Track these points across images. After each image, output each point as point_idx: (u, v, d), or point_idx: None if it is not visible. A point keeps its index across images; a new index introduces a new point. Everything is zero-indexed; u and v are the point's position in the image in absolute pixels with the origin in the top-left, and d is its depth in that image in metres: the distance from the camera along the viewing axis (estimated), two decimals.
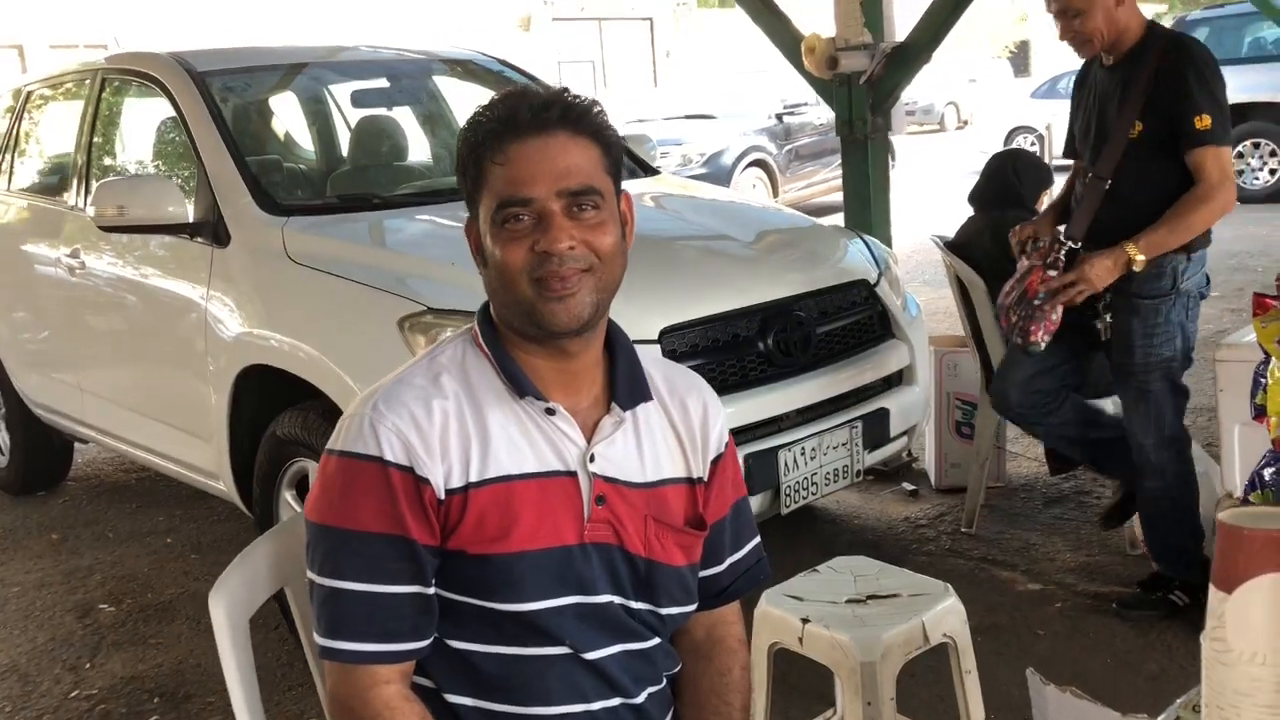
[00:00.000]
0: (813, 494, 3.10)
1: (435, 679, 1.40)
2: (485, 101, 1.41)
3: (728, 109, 11.96)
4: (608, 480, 1.40)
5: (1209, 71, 2.88)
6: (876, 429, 3.26)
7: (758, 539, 1.62)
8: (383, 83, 4.39)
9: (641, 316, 2.86)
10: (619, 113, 13.92)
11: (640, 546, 1.42)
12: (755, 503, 2.98)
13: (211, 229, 3.42)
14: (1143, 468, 3.08)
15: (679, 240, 3.45)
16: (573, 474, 1.38)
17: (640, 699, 1.45)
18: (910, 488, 4.41)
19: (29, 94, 4.80)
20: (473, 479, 1.34)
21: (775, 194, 11.65)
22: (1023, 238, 3.16)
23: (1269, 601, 0.83)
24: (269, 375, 3.17)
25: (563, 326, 1.35)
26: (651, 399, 1.47)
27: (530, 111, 1.35)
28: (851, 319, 3.33)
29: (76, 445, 4.92)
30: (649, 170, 4.27)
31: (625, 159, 4.29)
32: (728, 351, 2.99)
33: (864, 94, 4.29)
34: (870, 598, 2.35)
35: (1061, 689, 1.18)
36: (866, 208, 4.42)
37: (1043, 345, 3.02)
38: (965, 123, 23.91)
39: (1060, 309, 3.00)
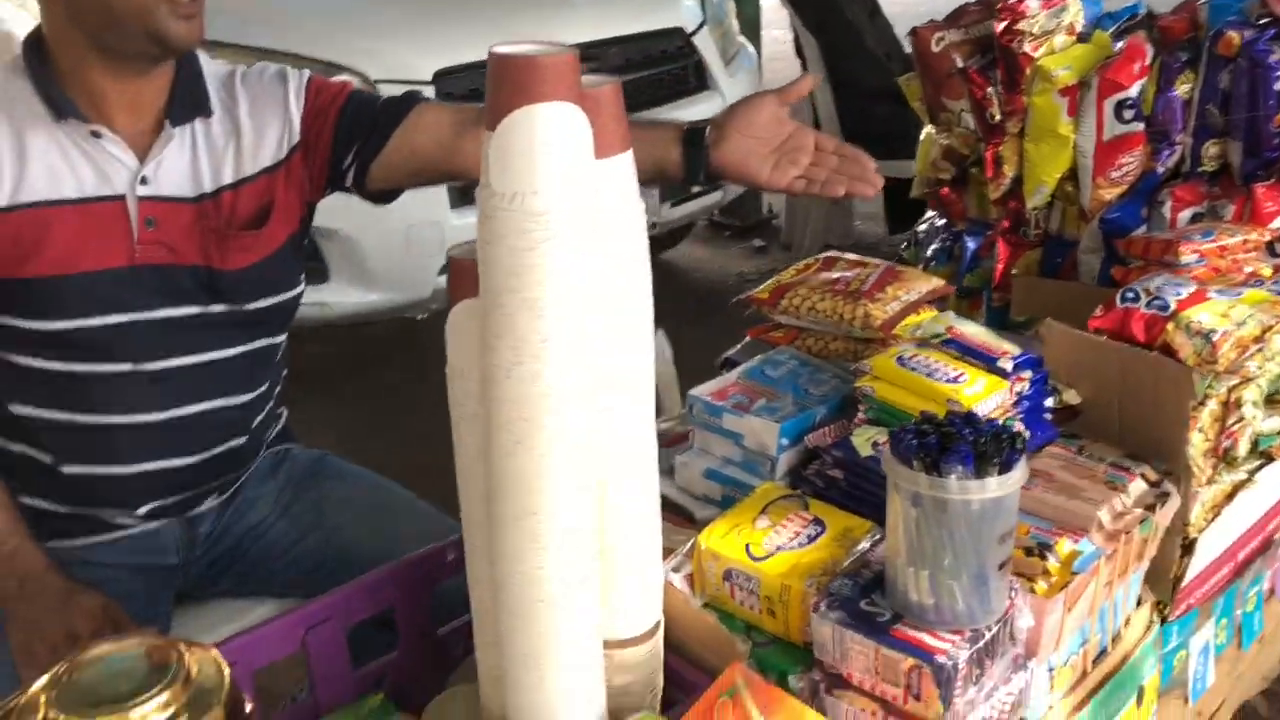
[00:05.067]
0: None
1: (1, 391, 1.50)
2: None
3: None
4: (159, 200, 1.44)
5: None
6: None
7: None
8: None
9: (414, 57, 2.84)
10: None
11: (200, 258, 1.46)
12: None
13: None
14: None
15: None
16: (120, 198, 1.43)
17: (216, 404, 1.53)
18: (759, 244, 4.48)
19: None
20: (2, 204, 1.38)
21: None
22: None
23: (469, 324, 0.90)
24: None
25: (183, 44, 1.39)
26: (212, 113, 1.49)
27: None
28: (661, 69, 3.30)
29: None
30: None
31: None
32: None
33: None
34: None
35: None
36: None
37: None
38: None
39: None
